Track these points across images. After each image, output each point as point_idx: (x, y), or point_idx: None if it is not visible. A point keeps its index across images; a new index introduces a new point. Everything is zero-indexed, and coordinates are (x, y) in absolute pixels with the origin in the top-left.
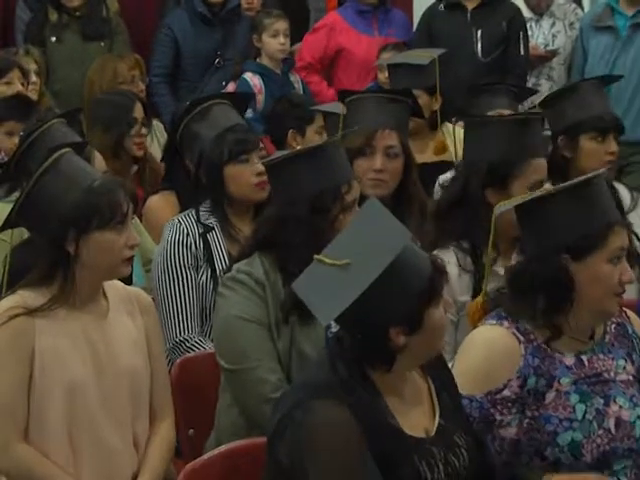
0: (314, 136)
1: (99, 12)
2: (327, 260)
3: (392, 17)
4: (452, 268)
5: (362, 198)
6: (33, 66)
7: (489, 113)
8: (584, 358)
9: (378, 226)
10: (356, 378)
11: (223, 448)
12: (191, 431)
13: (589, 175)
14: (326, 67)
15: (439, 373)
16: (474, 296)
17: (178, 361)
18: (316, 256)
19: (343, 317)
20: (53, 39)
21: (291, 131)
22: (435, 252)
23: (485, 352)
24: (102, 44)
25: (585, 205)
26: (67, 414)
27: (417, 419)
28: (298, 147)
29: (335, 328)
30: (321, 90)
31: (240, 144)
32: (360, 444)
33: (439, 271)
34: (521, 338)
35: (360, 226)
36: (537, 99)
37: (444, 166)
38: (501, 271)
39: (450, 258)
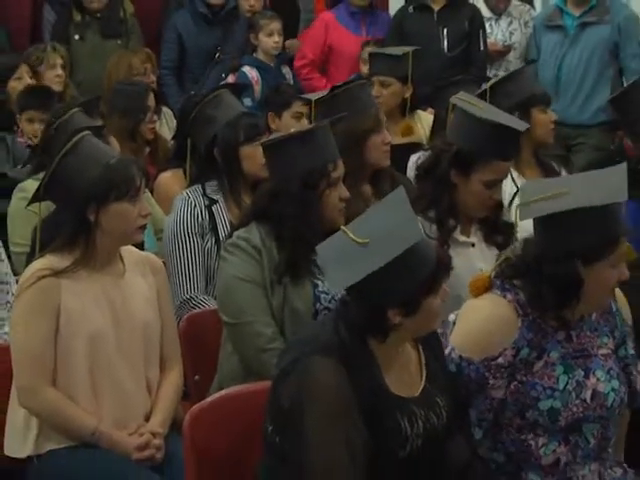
0: (290, 120)
1: (117, 14)
2: (350, 234)
3: (378, 18)
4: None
5: (380, 171)
6: (59, 61)
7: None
8: (573, 334)
9: (400, 216)
10: (355, 342)
11: (225, 392)
12: (197, 377)
13: (610, 200)
14: (322, 63)
15: (430, 342)
16: None
17: (185, 316)
18: (343, 227)
19: (350, 288)
20: (77, 37)
21: (270, 113)
22: None
23: (487, 322)
24: (119, 42)
25: (598, 221)
26: (89, 361)
27: (405, 382)
28: (275, 128)
29: (323, 288)
30: (320, 86)
31: (254, 128)
32: (350, 399)
33: (444, 265)
34: (520, 312)
35: (385, 211)
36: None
37: (412, 147)
38: (460, 238)
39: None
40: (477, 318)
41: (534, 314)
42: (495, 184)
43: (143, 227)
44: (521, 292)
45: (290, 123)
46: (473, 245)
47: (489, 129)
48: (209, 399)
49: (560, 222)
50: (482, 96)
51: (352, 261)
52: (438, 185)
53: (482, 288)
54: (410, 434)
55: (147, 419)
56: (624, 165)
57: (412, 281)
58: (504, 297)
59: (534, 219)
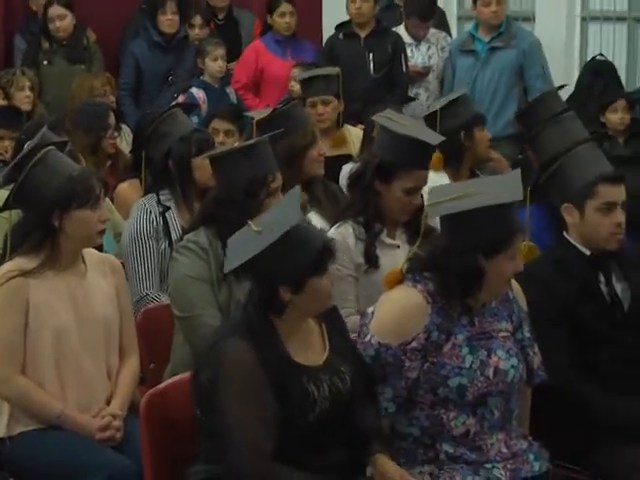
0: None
1: (81, 42)
2: (251, 225)
3: (301, 45)
4: (350, 237)
5: (314, 179)
6: (28, 83)
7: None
8: (476, 319)
9: (285, 207)
10: (259, 319)
11: (177, 378)
12: (152, 365)
13: (505, 200)
14: (255, 84)
15: (332, 320)
16: (366, 258)
17: (142, 311)
18: (248, 221)
19: (247, 272)
20: (45, 62)
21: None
22: (338, 223)
23: (401, 310)
24: (83, 66)
25: (497, 219)
26: (55, 352)
27: (309, 354)
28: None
29: None
30: (254, 105)
31: (204, 142)
32: (261, 375)
33: (328, 250)
34: (429, 300)
35: (279, 206)
36: (433, 105)
37: (344, 158)
38: (387, 240)
39: (349, 229)
40: (392, 308)
41: (442, 302)
42: (414, 191)
43: (102, 231)
44: (430, 283)
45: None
46: (398, 247)
47: (406, 143)
48: (163, 384)
49: (463, 220)
50: (433, 117)
51: (246, 246)
52: (365, 193)
53: (395, 281)
54: (317, 397)
55: (108, 403)
56: (519, 171)
57: (297, 262)
58: (415, 288)
59: (441, 218)
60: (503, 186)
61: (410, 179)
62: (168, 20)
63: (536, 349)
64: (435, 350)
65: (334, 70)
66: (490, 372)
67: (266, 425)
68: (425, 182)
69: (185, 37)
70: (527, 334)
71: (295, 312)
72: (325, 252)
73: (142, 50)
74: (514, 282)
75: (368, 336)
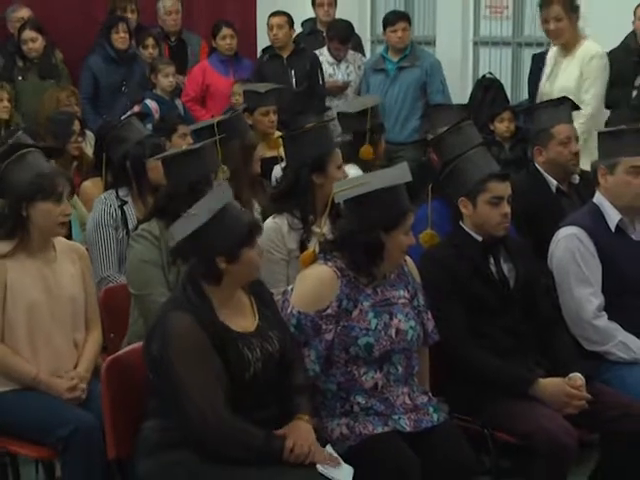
0: (177, 140)
1: (50, 60)
2: (190, 211)
3: (241, 64)
4: (285, 226)
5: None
6: (6, 95)
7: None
8: (378, 289)
9: (217, 192)
10: (195, 291)
11: (133, 346)
12: (112, 335)
13: (396, 182)
14: (202, 97)
15: (258, 291)
16: (300, 245)
17: (103, 289)
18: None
19: (189, 247)
20: (20, 78)
21: (162, 138)
22: (274, 215)
23: (316, 282)
24: (52, 81)
25: (391, 199)
26: (28, 325)
27: (241, 322)
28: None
29: None
30: (201, 115)
31: (157, 146)
32: (204, 341)
33: (256, 226)
34: (339, 274)
35: (211, 193)
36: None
37: (275, 160)
38: (315, 229)
39: (284, 220)
40: (308, 282)
41: (350, 275)
42: (340, 166)
43: (64, 223)
44: (338, 260)
45: (179, 142)
46: (324, 234)
47: (314, 134)
48: (121, 352)
49: (363, 202)
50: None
51: (187, 225)
52: (303, 191)
53: (310, 261)
54: (251, 359)
55: (75, 368)
56: (405, 163)
57: (230, 235)
58: (326, 265)
59: (345, 202)
60: (393, 173)
61: (336, 158)
62: (121, 38)
63: (430, 315)
64: (346, 315)
65: (265, 86)
66: (392, 332)
67: (216, 384)
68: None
69: (134, 53)
70: (422, 302)
71: (229, 280)
72: (254, 226)
73: (98, 64)
74: (408, 258)
75: (290, 308)
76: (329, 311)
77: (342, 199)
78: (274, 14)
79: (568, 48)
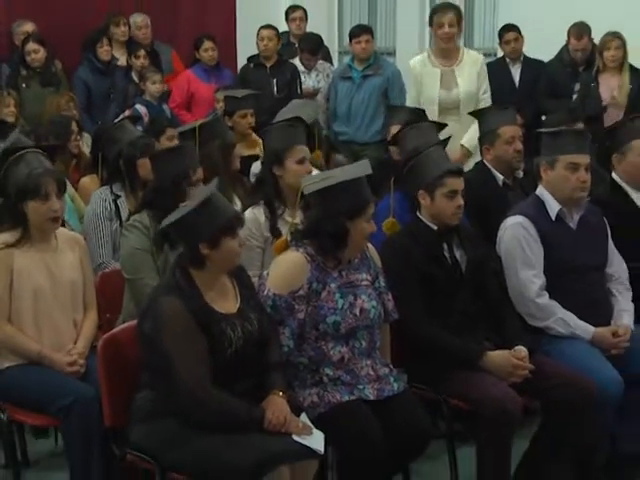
0: (165, 141)
1: (50, 69)
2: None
3: (222, 72)
4: (261, 216)
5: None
6: (12, 101)
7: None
8: (343, 273)
9: (205, 188)
10: (182, 275)
11: (126, 325)
12: (108, 315)
13: (357, 174)
14: (187, 103)
15: (240, 276)
16: (272, 233)
17: (99, 274)
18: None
19: (176, 234)
20: (24, 85)
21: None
22: (253, 206)
23: (288, 267)
24: (52, 88)
25: (354, 190)
26: (33, 307)
27: (225, 304)
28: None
29: None
30: (187, 119)
31: (147, 146)
32: (190, 321)
33: (237, 217)
34: (309, 259)
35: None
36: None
37: (254, 158)
38: (288, 219)
39: (261, 210)
40: (281, 267)
41: (319, 260)
42: (302, 160)
43: (55, 219)
44: (308, 247)
45: (167, 144)
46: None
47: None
48: (115, 330)
49: (329, 194)
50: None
51: (176, 214)
52: (269, 183)
53: (282, 248)
54: (233, 337)
55: (74, 344)
56: (367, 160)
57: (214, 223)
58: (298, 251)
59: (312, 194)
60: (355, 168)
61: (295, 153)
62: (105, 51)
63: (390, 296)
64: (315, 296)
65: (247, 92)
66: (357, 311)
67: (202, 361)
68: (306, 154)
69: (116, 65)
70: (382, 284)
71: (212, 266)
72: (236, 218)
73: (87, 75)
74: (370, 245)
75: (266, 290)
76: (301, 292)
77: (310, 191)
78: (265, 27)
79: (451, 56)
